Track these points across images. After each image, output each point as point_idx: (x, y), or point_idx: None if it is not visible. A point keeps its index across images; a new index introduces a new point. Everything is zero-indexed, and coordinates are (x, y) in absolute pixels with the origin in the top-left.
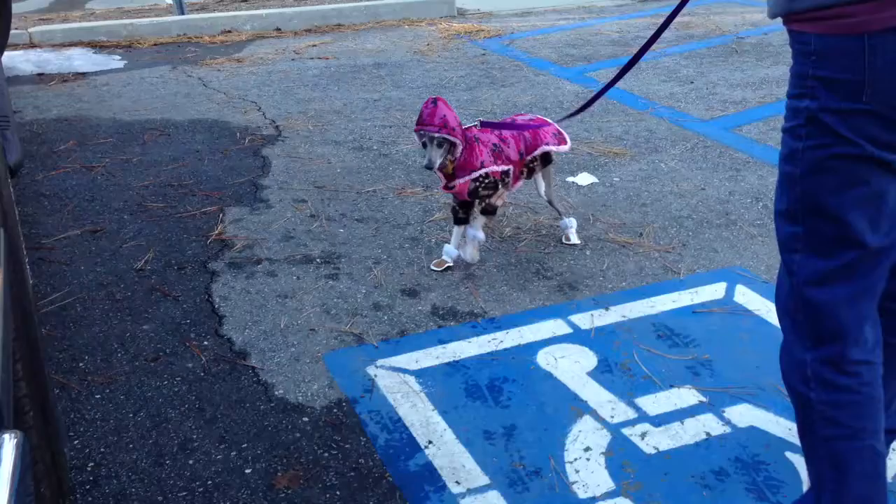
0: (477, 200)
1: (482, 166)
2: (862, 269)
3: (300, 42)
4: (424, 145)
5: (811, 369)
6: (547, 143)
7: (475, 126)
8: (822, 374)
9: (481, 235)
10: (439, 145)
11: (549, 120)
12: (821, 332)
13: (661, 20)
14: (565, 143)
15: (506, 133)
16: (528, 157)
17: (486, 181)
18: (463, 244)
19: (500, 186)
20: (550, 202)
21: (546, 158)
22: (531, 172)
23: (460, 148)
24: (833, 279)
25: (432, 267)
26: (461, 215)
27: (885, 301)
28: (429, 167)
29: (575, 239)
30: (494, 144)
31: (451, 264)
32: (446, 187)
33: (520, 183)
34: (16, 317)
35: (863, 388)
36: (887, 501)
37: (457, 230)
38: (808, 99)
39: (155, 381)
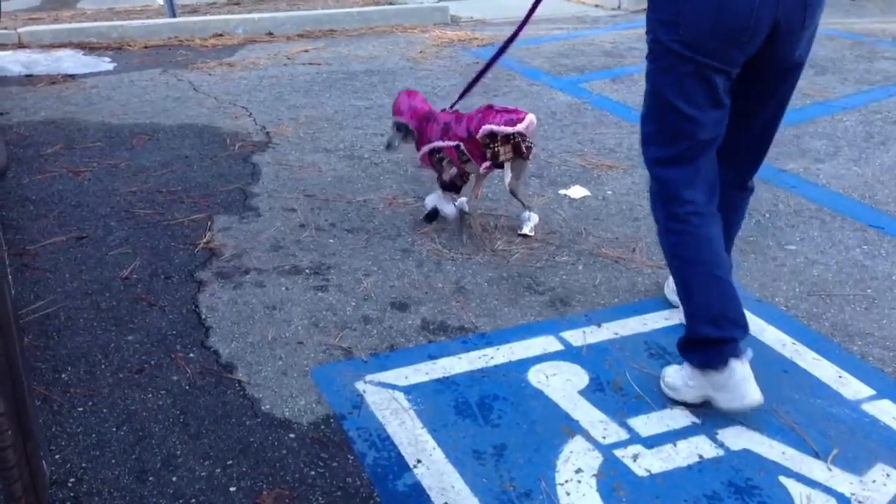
0: (443, 175)
1: (429, 142)
2: (691, 156)
3: (292, 47)
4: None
5: (661, 222)
6: (490, 123)
7: (446, 109)
8: (666, 224)
9: (452, 208)
10: (397, 128)
11: (522, 111)
12: (663, 195)
13: None
14: (512, 125)
15: (465, 114)
16: (479, 136)
17: (439, 154)
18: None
19: (453, 162)
20: (513, 193)
21: (517, 150)
22: (496, 157)
23: (412, 126)
24: (671, 163)
25: (422, 219)
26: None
27: (737, 155)
28: (387, 146)
29: (528, 231)
30: (446, 123)
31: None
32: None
33: (487, 164)
34: None
35: (691, 228)
36: (738, 309)
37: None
38: (651, 34)
39: (139, 394)
